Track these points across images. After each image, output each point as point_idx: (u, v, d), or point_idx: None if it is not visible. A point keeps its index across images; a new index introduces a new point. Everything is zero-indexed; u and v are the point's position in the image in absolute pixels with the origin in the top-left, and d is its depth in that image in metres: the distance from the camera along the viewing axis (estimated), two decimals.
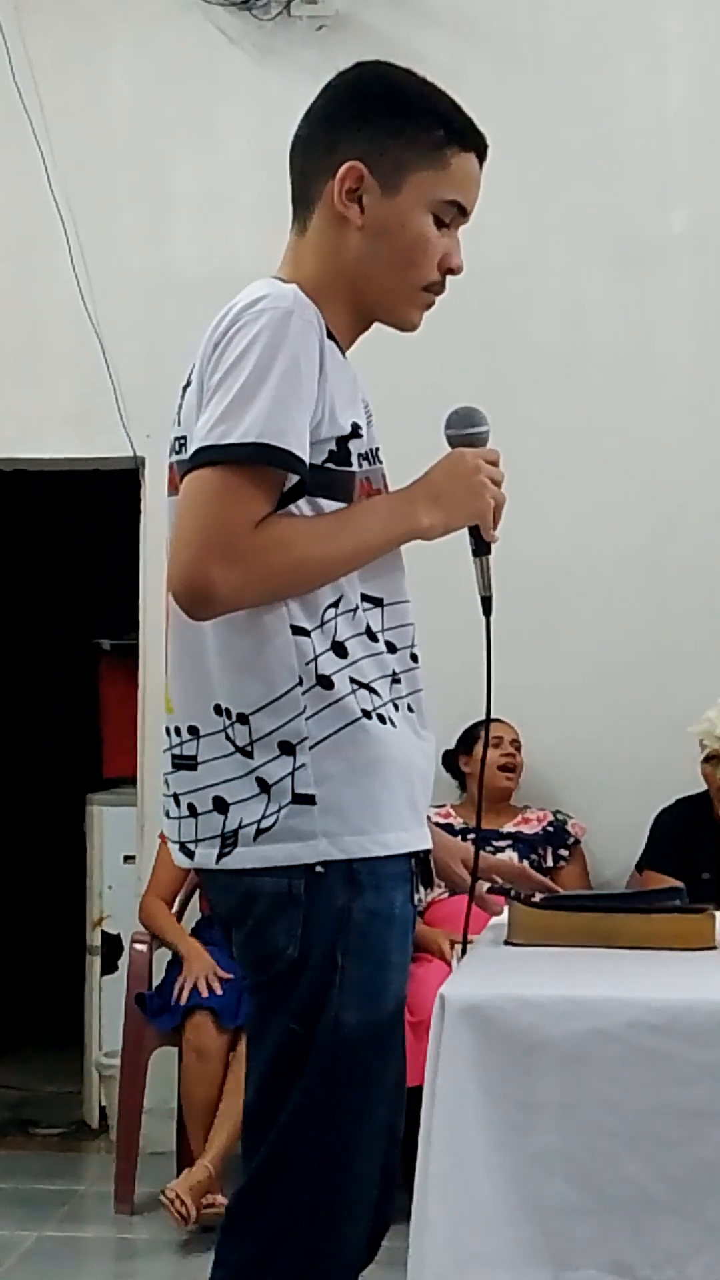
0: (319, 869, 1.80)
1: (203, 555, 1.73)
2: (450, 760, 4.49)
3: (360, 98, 1.91)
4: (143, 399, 4.64)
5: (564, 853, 4.46)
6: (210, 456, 1.75)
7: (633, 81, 4.75)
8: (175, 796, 1.90)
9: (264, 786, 1.81)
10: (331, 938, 1.80)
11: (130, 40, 4.87)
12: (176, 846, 1.90)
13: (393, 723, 1.85)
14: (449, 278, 1.95)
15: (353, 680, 1.82)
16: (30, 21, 4.81)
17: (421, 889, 1.91)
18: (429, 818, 1.97)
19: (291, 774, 1.79)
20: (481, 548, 1.99)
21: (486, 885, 2.26)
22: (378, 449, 1.95)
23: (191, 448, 1.81)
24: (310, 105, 1.95)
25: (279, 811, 1.80)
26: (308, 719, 1.80)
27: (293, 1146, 1.81)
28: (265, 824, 1.80)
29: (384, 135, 1.88)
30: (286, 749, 1.80)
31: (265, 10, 4.73)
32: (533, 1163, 1.82)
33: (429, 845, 1.92)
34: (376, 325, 2.01)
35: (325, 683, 1.81)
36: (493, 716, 2.14)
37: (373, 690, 1.84)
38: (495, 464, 1.95)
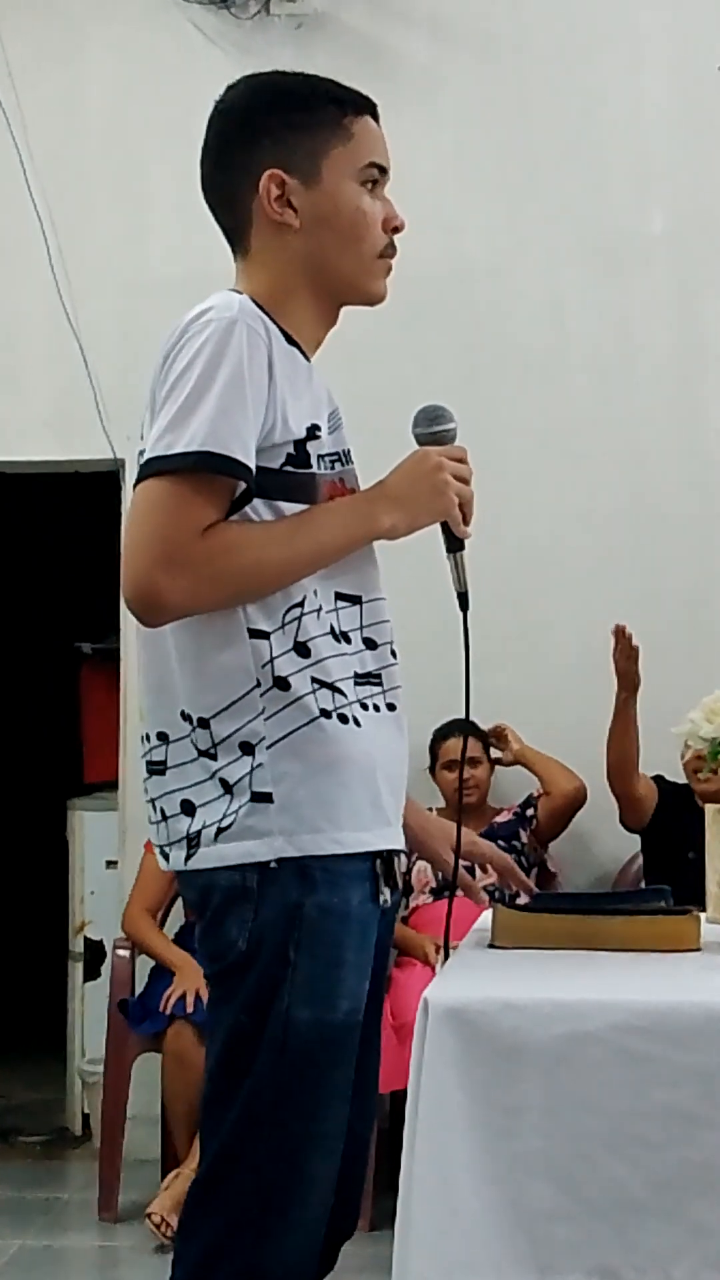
0: (273, 865, 1.82)
1: (149, 564, 1.77)
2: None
3: (248, 113, 1.97)
4: (122, 400, 4.62)
5: (532, 812, 4.46)
6: (157, 467, 1.80)
7: (611, 81, 4.75)
8: (152, 802, 1.94)
9: (226, 787, 1.84)
10: (283, 933, 1.82)
11: (108, 40, 4.85)
12: (158, 850, 1.94)
13: (356, 722, 1.88)
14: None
15: (314, 680, 1.85)
16: (6, 22, 4.80)
17: (386, 890, 1.91)
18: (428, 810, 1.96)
19: (250, 773, 1.83)
20: (454, 544, 2.02)
21: (487, 881, 2.24)
22: (348, 450, 2.00)
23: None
24: (204, 144, 2.01)
25: (238, 811, 1.83)
26: (266, 720, 1.83)
27: (244, 1141, 1.84)
28: (225, 824, 1.84)
29: (285, 133, 1.94)
30: (246, 749, 1.84)
31: (244, 9, 4.72)
32: (517, 1166, 1.81)
33: (395, 845, 1.93)
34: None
35: (282, 684, 1.84)
36: (455, 725, 2.13)
37: (336, 690, 1.87)
38: (462, 461, 1.98)
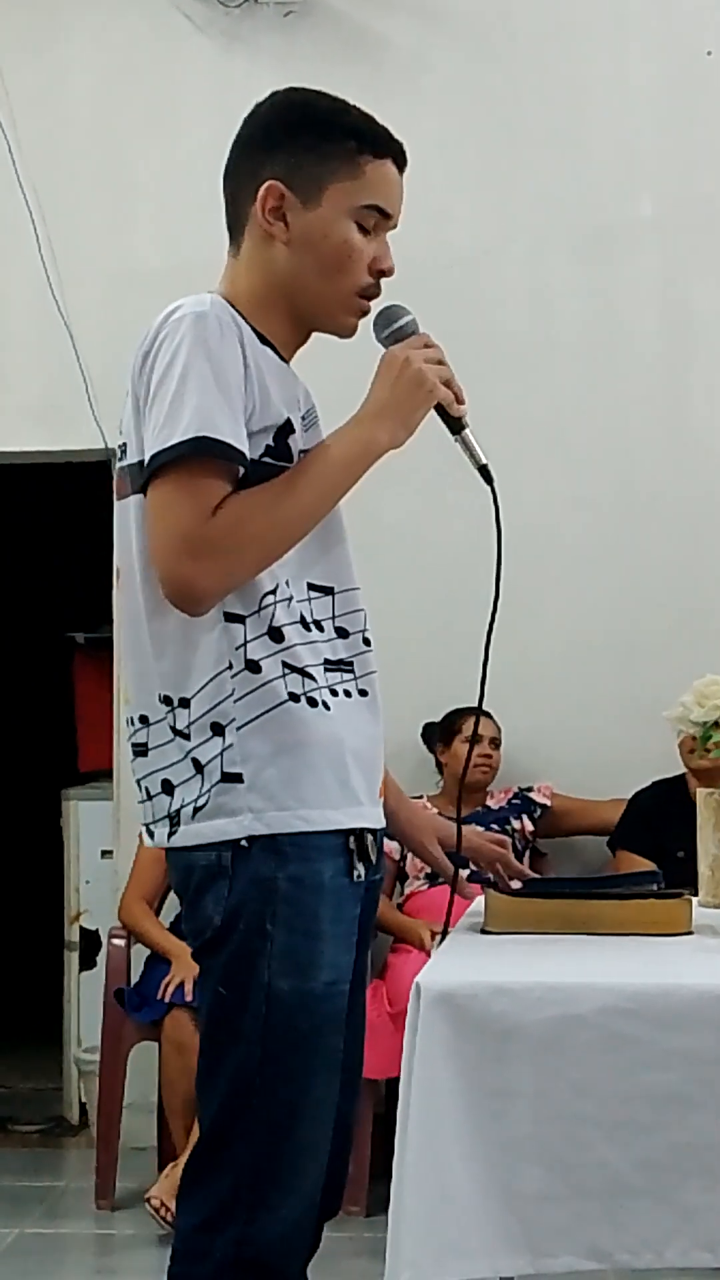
0: (244, 842, 1.89)
1: (175, 559, 1.84)
2: (428, 743, 4.50)
3: (275, 123, 2.02)
4: (112, 390, 4.55)
5: (538, 814, 4.47)
6: (160, 461, 1.86)
7: (597, 67, 4.74)
8: (138, 782, 2.01)
9: (198, 767, 1.92)
10: (259, 907, 1.89)
11: (94, 27, 4.84)
12: (144, 828, 2.01)
13: (325, 705, 1.94)
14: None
15: (285, 664, 1.91)
16: None
17: (360, 866, 1.96)
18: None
19: (221, 754, 1.90)
20: (455, 426, 2.04)
21: (466, 872, 2.28)
22: None
23: (132, 457, 1.94)
24: (234, 138, 2.05)
25: (210, 790, 1.91)
26: (235, 701, 1.90)
27: (236, 1113, 1.90)
28: (200, 803, 1.91)
29: (300, 153, 1.98)
30: (217, 730, 1.90)
31: None
32: (508, 1150, 1.81)
33: (367, 823, 1.98)
34: None
35: (254, 667, 1.90)
36: (481, 709, 2.16)
37: (305, 674, 1.93)
38: (429, 346, 2.01)
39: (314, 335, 2.07)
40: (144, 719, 1.97)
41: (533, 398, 4.65)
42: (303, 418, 1.99)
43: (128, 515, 1.97)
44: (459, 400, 2.02)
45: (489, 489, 2.04)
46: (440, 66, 4.73)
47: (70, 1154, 4.69)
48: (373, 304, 2.04)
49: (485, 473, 2.05)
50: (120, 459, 2.00)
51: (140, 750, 1.98)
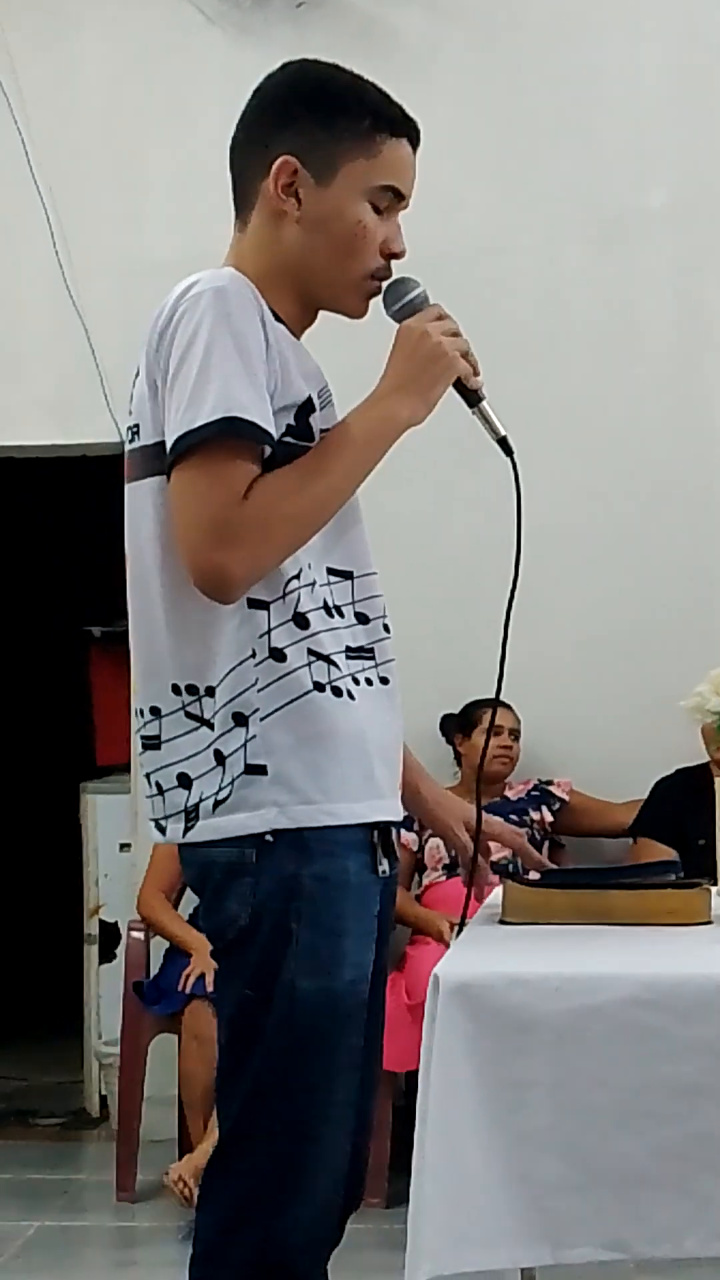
0: (268, 838, 1.83)
1: (205, 547, 1.78)
2: (446, 735, 4.50)
3: (289, 96, 1.96)
4: (127, 383, 4.57)
5: (557, 808, 4.47)
6: (185, 444, 1.79)
7: (609, 57, 4.72)
8: (147, 776, 1.95)
9: (220, 759, 1.85)
10: (283, 905, 1.84)
11: (106, 20, 4.84)
12: (152, 824, 1.95)
13: (350, 695, 1.89)
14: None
15: (310, 652, 1.86)
16: (3, 3, 4.79)
17: (385, 860, 1.92)
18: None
19: (244, 745, 1.84)
20: (472, 399, 2.00)
21: (499, 855, 2.25)
22: None
23: (146, 439, 1.89)
24: (243, 109, 1.99)
25: (233, 783, 1.84)
26: (259, 691, 1.84)
27: (257, 1114, 1.86)
28: (221, 796, 1.85)
29: (314, 129, 1.92)
30: (240, 720, 1.84)
31: None
32: (527, 1141, 1.81)
33: (390, 817, 1.94)
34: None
35: (278, 655, 1.84)
36: (499, 700, 2.14)
37: (330, 662, 1.87)
38: (442, 318, 1.96)
39: (320, 315, 2.02)
40: (155, 710, 1.90)
41: (544, 388, 4.63)
42: (319, 395, 1.93)
43: (139, 499, 1.92)
44: (475, 372, 1.98)
45: (509, 461, 2.01)
46: (451, 57, 4.72)
47: (90, 1147, 4.70)
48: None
49: (505, 444, 2.01)
50: (131, 441, 1.94)
51: (151, 743, 1.91)
